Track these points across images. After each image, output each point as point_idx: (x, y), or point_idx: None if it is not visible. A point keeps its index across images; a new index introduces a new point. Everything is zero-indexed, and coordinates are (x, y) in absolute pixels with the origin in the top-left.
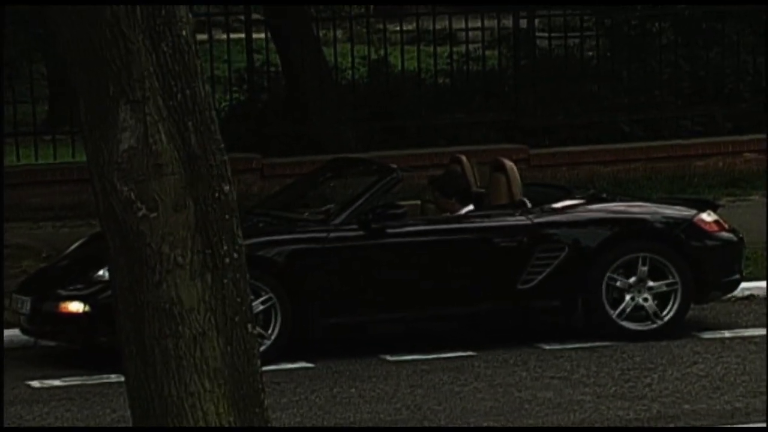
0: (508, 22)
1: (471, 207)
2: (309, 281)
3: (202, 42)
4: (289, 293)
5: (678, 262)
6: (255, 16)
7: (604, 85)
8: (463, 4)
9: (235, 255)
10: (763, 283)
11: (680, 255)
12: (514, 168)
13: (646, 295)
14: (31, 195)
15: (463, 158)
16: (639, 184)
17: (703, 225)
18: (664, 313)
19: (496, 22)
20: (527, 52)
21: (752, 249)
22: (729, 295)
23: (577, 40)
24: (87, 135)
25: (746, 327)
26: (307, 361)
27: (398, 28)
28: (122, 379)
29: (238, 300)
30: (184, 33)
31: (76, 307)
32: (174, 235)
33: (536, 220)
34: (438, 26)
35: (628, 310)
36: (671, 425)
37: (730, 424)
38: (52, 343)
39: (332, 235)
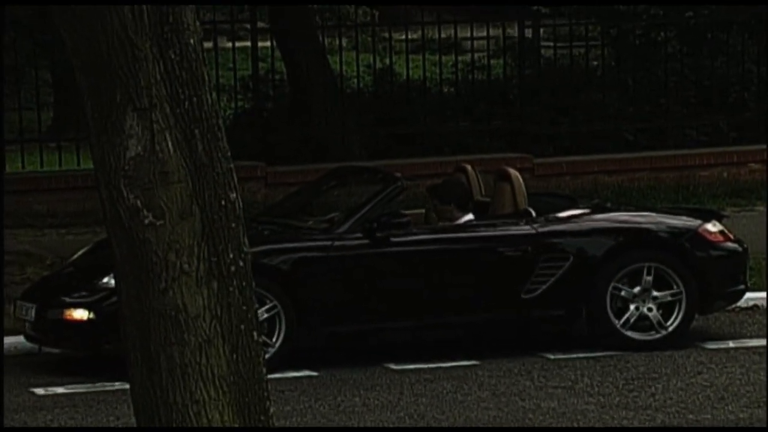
0: (514, 31)
1: (470, 216)
2: (313, 289)
3: (207, 50)
4: (294, 301)
5: (682, 272)
6: (260, 24)
7: (608, 94)
8: (467, 11)
9: (241, 263)
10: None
11: (685, 265)
12: (519, 177)
13: (650, 305)
14: (36, 202)
15: (468, 167)
16: (643, 194)
17: (707, 235)
18: (669, 322)
19: (501, 31)
20: (532, 61)
21: (756, 259)
22: (733, 306)
23: (582, 50)
24: (93, 142)
25: (750, 337)
26: (311, 369)
27: (403, 37)
28: (126, 386)
29: (244, 308)
30: (192, 41)
31: (80, 314)
32: (180, 242)
33: (540, 230)
34: (443, 35)
35: (633, 319)
36: None
37: None
38: (56, 351)
39: (336, 243)
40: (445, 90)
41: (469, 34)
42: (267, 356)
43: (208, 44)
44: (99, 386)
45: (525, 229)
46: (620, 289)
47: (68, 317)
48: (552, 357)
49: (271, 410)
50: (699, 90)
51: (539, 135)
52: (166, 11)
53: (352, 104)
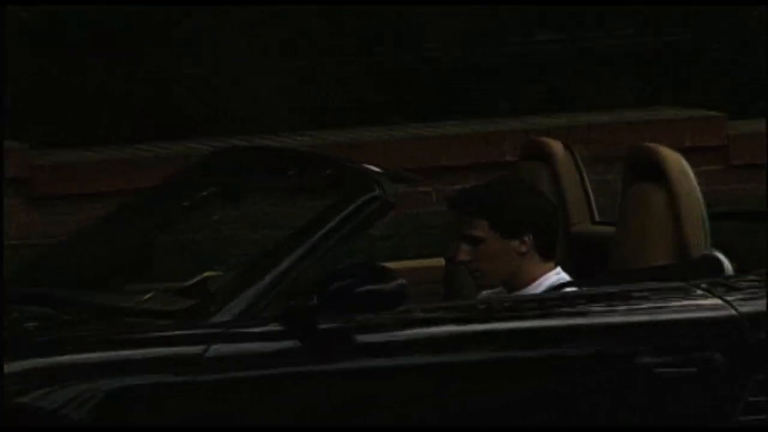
0: None
1: (558, 271)
2: None
3: None
4: None
5: None
6: None
7: None
8: None
9: None
10: None
11: None
12: (687, 169)
13: None
14: None
15: (555, 147)
16: None
17: None
18: None
19: None
20: None
21: None
22: None
23: None
24: None
25: None
26: None
27: None
28: None
29: None
30: None
31: None
32: None
33: (743, 308)
34: None
35: None
36: None
37: None
38: None
39: (216, 350)
40: None
41: None
42: None
43: None
44: None
45: (710, 305)
46: None
47: None
48: None
49: None
50: None
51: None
52: None
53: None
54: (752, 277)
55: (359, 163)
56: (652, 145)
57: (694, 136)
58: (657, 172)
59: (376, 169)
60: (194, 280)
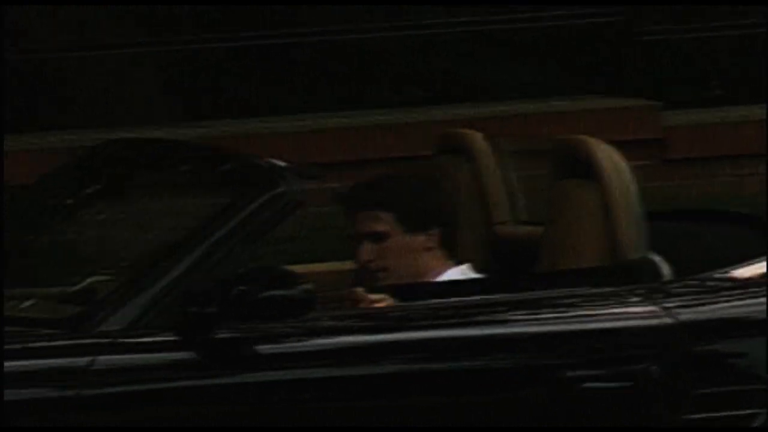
0: None
1: (458, 270)
2: None
3: None
4: None
5: None
6: None
7: None
8: None
9: None
10: None
11: None
12: (621, 164)
13: None
14: None
15: (475, 138)
16: None
17: None
18: None
19: None
20: None
21: None
22: None
23: None
24: None
25: None
26: None
27: None
28: None
29: None
30: None
31: None
32: None
33: (683, 316)
34: None
35: None
36: None
37: None
38: None
39: (103, 361)
40: None
41: None
42: None
43: None
44: None
45: (644, 312)
46: None
47: None
48: None
49: None
50: None
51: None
52: None
53: None
54: (692, 283)
55: (260, 156)
56: (581, 137)
57: (627, 127)
58: (587, 168)
59: (281, 164)
60: (79, 285)
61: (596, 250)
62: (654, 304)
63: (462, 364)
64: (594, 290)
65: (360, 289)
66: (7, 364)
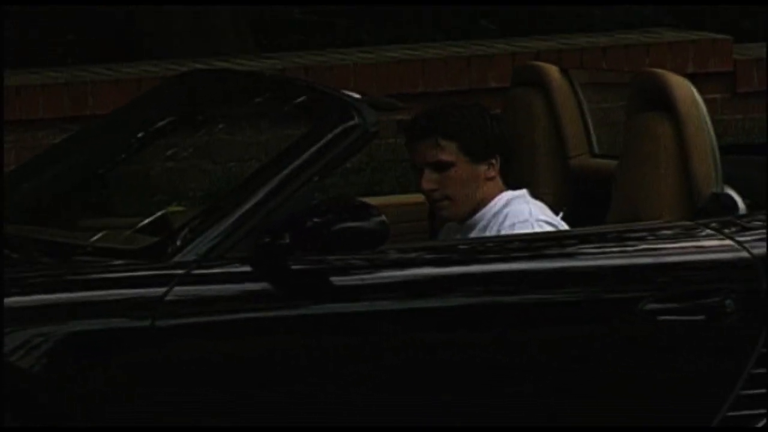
0: None
1: (520, 198)
2: (112, 414)
3: None
4: None
5: None
6: None
7: None
8: None
9: None
10: None
11: None
12: (697, 98)
13: None
14: None
15: (550, 71)
16: None
17: None
18: None
19: None
20: None
21: None
22: None
23: None
24: None
25: None
26: None
27: None
28: None
29: None
30: None
31: None
32: None
33: (757, 250)
34: None
35: None
36: None
37: None
38: None
39: (177, 292)
40: None
41: None
42: None
43: None
44: None
45: (717, 248)
46: None
47: None
48: None
49: None
50: None
51: None
52: None
53: None
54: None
55: (335, 88)
56: (657, 70)
57: (698, 61)
58: (664, 101)
59: (355, 95)
60: (154, 216)
61: (671, 183)
62: (729, 238)
63: (535, 297)
64: (669, 224)
65: None
66: (81, 294)
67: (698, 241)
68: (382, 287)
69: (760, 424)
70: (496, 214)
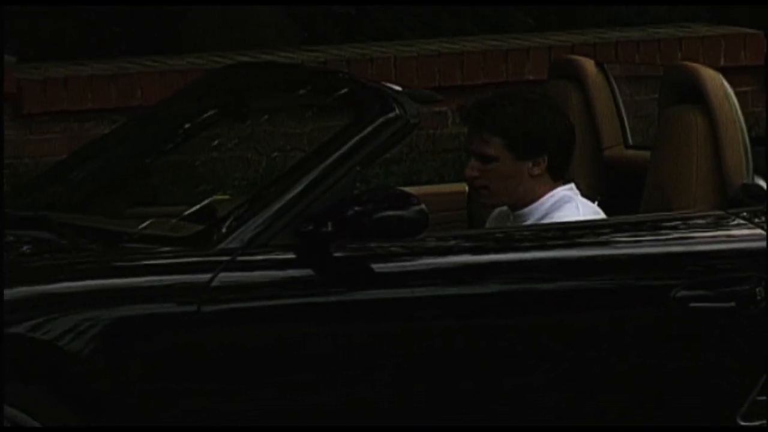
0: None
1: (569, 193)
2: (156, 411)
3: None
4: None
5: None
6: None
7: None
8: None
9: None
10: None
11: None
12: (728, 91)
13: None
14: None
15: (586, 64)
16: None
17: None
18: None
19: None
20: None
21: None
22: None
23: None
24: None
25: None
26: None
27: None
28: None
29: None
30: None
31: None
32: None
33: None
34: None
35: None
36: None
37: None
38: None
39: (221, 279)
40: None
41: None
42: None
43: None
44: None
45: (747, 237)
46: None
47: None
48: None
49: None
50: None
51: None
52: None
53: None
54: None
55: (376, 80)
56: (689, 64)
57: (729, 54)
58: (697, 94)
59: (396, 87)
60: (200, 205)
61: (703, 174)
62: (759, 227)
63: (570, 284)
64: (700, 213)
65: None
66: (128, 280)
67: (729, 230)
68: (421, 274)
69: None
70: (546, 215)
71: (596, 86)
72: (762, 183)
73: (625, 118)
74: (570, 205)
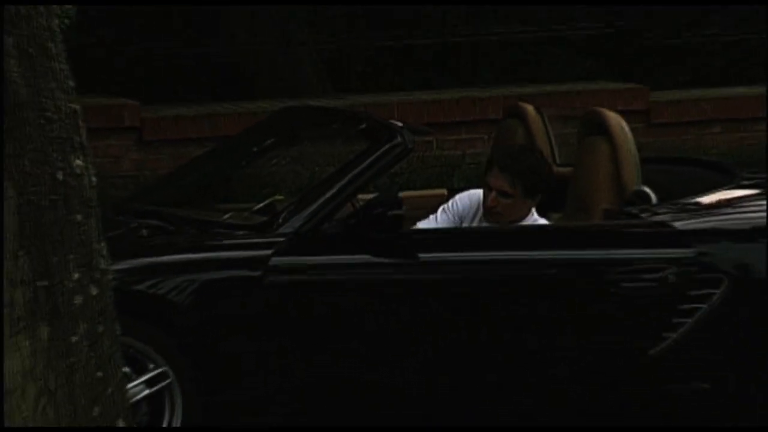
0: None
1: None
2: (235, 343)
3: None
4: (197, 364)
5: None
6: None
7: None
8: None
9: (94, 290)
10: None
11: None
12: (625, 127)
13: None
14: None
15: (528, 109)
16: None
17: None
18: None
19: None
20: None
21: None
22: None
23: None
24: None
25: None
26: None
27: None
28: None
29: (99, 375)
30: None
31: None
32: None
33: (661, 228)
34: None
35: None
36: None
37: None
38: None
39: (278, 258)
40: None
41: None
42: None
43: None
44: None
45: (641, 229)
46: None
47: None
48: None
49: None
50: None
51: (656, 49)
52: None
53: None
54: (671, 206)
55: (384, 118)
56: (600, 108)
57: (627, 102)
58: (604, 128)
59: (398, 123)
60: (264, 203)
61: (608, 183)
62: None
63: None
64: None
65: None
66: (214, 254)
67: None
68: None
69: None
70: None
71: (535, 123)
72: (647, 189)
73: (555, 145)
74: (539, 219)
